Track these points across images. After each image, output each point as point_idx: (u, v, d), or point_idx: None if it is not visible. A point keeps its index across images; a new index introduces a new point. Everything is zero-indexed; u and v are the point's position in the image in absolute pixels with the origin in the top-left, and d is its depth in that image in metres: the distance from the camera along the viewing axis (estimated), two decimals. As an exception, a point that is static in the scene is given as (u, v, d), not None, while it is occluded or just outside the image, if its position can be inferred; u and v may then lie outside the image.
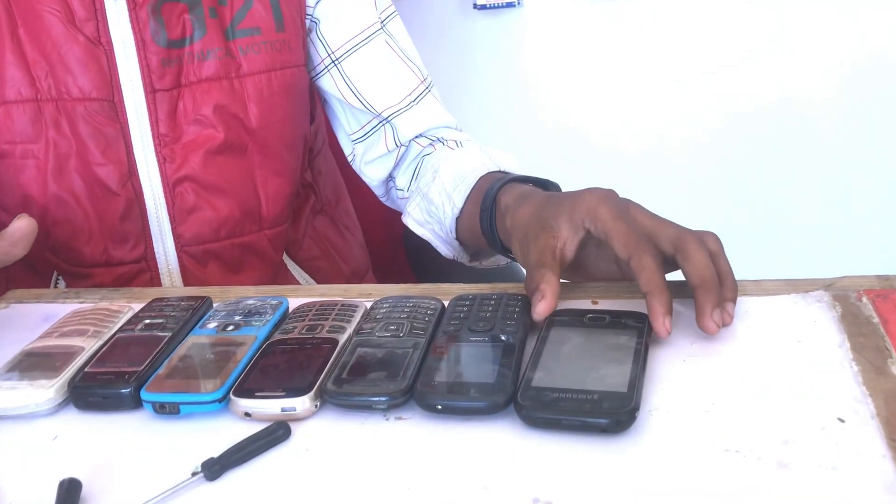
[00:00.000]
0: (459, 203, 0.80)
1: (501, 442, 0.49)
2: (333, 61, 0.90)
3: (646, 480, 0.45)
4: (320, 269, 0.98)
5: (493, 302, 0.60)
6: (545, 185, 0.75)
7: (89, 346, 0.61)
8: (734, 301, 0.57)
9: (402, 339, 0.57)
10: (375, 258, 1.12)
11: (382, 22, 0.92)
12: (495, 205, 0.72)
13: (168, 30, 0.81)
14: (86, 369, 0.58)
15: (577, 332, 0.56)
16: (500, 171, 0.81)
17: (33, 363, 0.60)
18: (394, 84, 0.91)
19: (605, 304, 0.63)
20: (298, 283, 0.94)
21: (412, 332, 0.58)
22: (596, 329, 0.57)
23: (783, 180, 1.76)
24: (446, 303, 0.63)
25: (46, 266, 0.89)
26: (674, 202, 1.71)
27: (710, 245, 0.59)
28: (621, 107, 1.76)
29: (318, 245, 0.99)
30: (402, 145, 0.91)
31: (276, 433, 0.51)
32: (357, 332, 0.60)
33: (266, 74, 0.84)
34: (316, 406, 0.53)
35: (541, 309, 0.57)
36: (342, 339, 0.59)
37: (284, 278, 0.93)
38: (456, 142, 0.90)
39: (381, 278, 1.10)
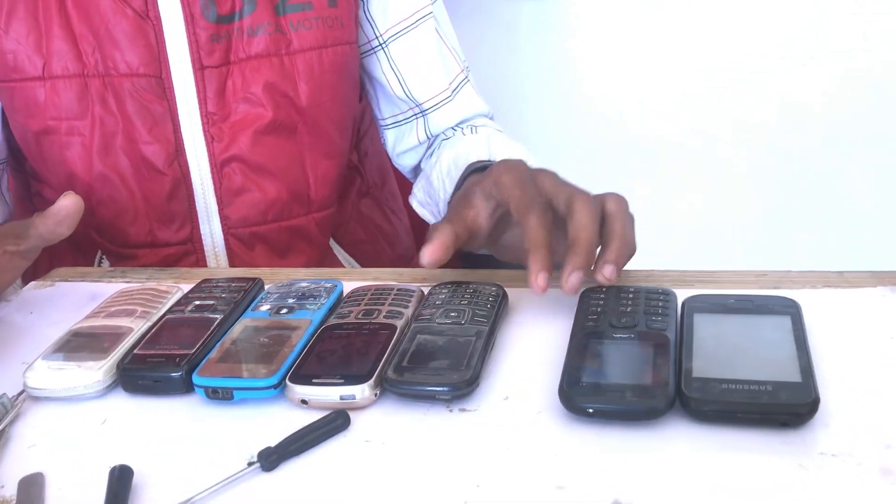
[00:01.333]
0: (450, 189, 0.80)
1: (576, 438, 0.46)
2: (381, 44, 0.87)
3: (736, 484, 0.42)
4: (366, 253, 0.95)
5: (631, 294, 0.56)
6: None
7: (138, 326, 0.59)
8: (615, 263, 0.57)
9: (463, 327, 0.54)
10: (420, 243, 1.09)
11: (433, 5, 0.89)
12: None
13: (217, 4, 0.79)
14: (135, 351, 0.56)
15: (723, 318, 0.53)
16: (489, 161, 0.80)
17: (81, 343, 0.58)
18: (438, 72, 0.89)
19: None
20: (343, 267, 0.92)
21: (474, 319, 0.55)
22: (743, 315, 0.53)
23: (840, 169, 1.70)
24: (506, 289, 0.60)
25: (91, 245, 0.87)
26: (721, 192, 1.66)
27: (608, 206, 0.59)
28: (671, 97, 1.71)
29: (363, 229, 0.96)
30: (430, 137, 0.90)
31: (335, 422, 0.48)
32: (416, 318, 0.57)
33: (317, 51, 0.81)
34: (376, 395, 0.51)
35: (426, 252, 0.60)
36: (400, 324, 0.57)
37: (331, 262, 0.91)
38: (473, 128, 0.89)
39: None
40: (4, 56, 0.78)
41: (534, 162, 0.81)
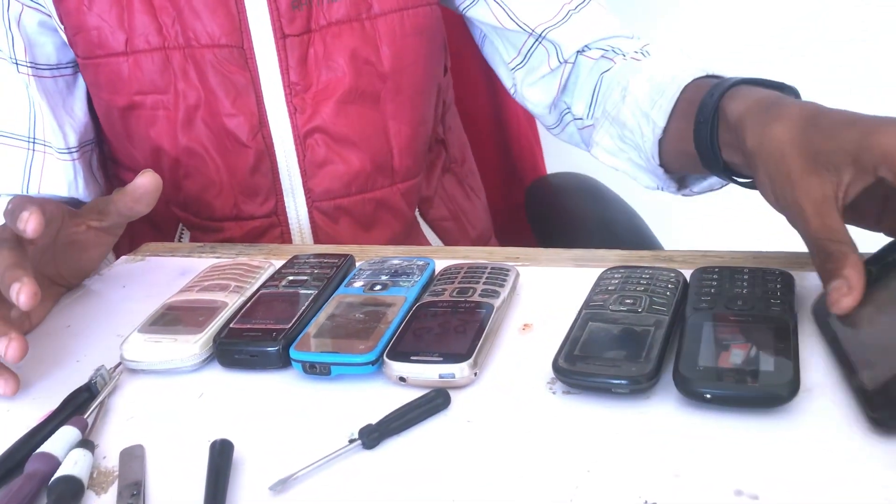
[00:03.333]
0: (661, 122, 0.68)
1: (691, 424, 0.44)
2: None
3: (870, 476, 0.39)
4: (448, 230, 0.94)
5: (746, 276, 0.53)
6: (781, 91, 0.61)
7: (232, 301, 0.59)
8: None
9: (640, 316, 0.51)
10: (496, 223, 1.07)
11: None
12: (718, 115, 0.60)
13: None
14: (231, 325, 0.55)
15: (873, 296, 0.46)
16: (710, 76, 0.67)
17: (176, 317, 0.58)
18: None
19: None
20: (428, 244, 0.91)
21: (652, 307, 0.51)
22: None
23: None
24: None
25: (171, 221, 0.87)
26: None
27: None
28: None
29: (446, 205, 0.94)
30: (566, 62, 0.82)
31: (436, 401, 0.47)
32: (587, 304, 0.53)
33: (398, 14, 0.80)
34: (475, 374, 0.49)
35: (845, 304, 0.47)
36: (497, 303, 0.55)
37: (416, 237, 0.89)
38: (639, 52, 0.79)
39: (505, 245, 1.05)
40: (89, 33, 0.78)
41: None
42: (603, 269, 0.58)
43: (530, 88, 0.85)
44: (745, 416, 0.44)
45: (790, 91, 0.61)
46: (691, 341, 0.47)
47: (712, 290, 0.52)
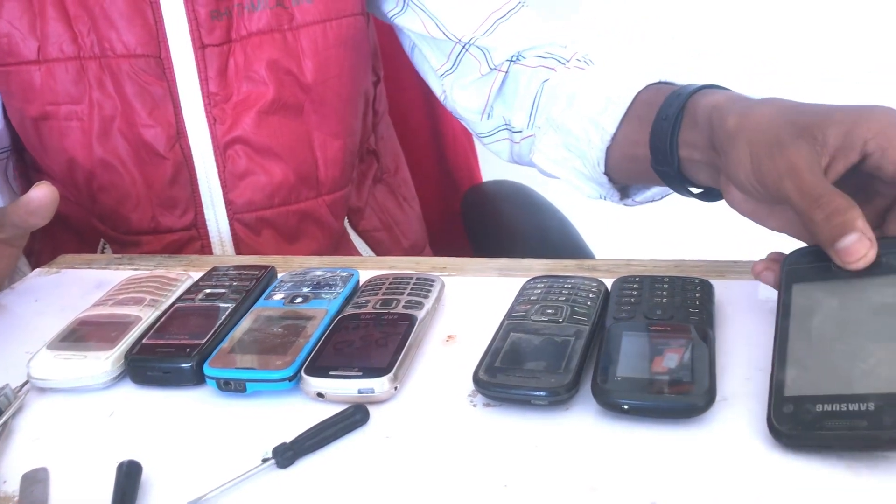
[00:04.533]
0: (612, 128, 0.67)
1: (608, 435, 0.44)
2: None
3: (787, 487, 0.39)
4: (380, 241, 0.93)
5: (665, 285, 0.53)
6: None
7: (146, 315, 0.57)
8: None
9: (561, 326, 0.50)
10: (432, 232, 1.07)
11: None
12: (683, 113, 0.58)
13: None
14: (143, 341, 0.53)
15: (833, 289, 0.43)
16: (664, 83, 0.66)
17: (87, 333, 0.56)
18: (475, 4, 0.80)
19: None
20: (360, 255, 0.89)
21: (573, 317, 0.51)
22: (871, 282, 0.42)
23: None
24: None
25: (93, 234, 0.85)
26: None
27: None
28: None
29: (377, 216, 0.93)
30: (496, 69, 0.79)
31: (354, 417, 0.46)
32: (510, 314, 0.53)
33: (321, 25, 0.78)
34: (395, 388, 0.48)
35: (871, 256, 0.43)
36: (420, 315, 0.54)
37: (346, 248, 0.88)
38: (582, 59, 0.77)
39: (439, 254, 1.05)
40: None
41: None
42: (528, 279, 0.58)
43: (461, 92, 0.83)
44: (663, 426, 0.44)
45: None
46: (610, 351, 0.47)
47: (632, 300, 0.52)
